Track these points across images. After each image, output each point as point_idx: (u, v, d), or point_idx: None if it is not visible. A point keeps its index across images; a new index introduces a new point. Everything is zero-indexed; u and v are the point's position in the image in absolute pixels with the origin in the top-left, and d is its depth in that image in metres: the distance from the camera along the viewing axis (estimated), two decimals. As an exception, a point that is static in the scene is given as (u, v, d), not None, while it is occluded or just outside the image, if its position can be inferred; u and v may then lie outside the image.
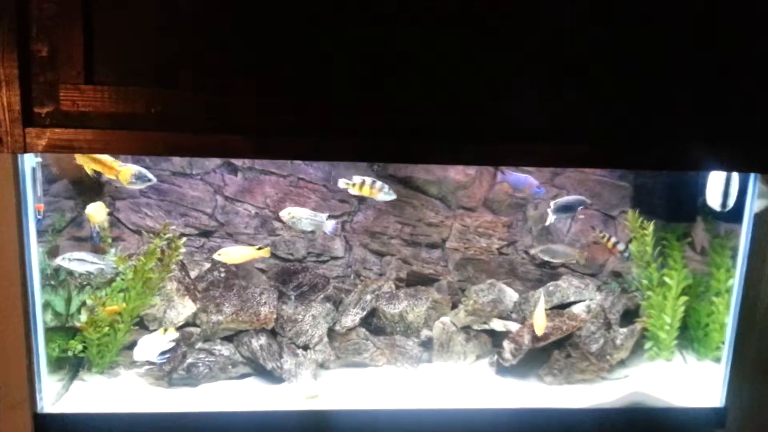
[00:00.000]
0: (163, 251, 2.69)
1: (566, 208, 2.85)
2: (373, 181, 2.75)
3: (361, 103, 2.01)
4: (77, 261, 2.55)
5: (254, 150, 2.07)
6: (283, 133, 2.03)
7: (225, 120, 1.99)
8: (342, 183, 2.79)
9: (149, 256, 2.63)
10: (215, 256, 2.80)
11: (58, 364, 2.54)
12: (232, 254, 2.83)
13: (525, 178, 2.93)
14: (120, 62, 1.91)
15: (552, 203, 2.86)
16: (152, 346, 2.55)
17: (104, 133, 1.97)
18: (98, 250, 2.79)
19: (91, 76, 1.95)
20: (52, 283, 2.62)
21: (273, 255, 3.08)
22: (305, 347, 2.77)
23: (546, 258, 3.08)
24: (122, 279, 2.65)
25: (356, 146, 2.05)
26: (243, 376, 2.74)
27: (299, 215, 2.80)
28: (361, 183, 2.75)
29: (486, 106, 2.05)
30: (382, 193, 2.76)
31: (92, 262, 2.57)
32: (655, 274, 2.93)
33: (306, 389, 2.61)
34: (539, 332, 2.73)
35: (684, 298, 2.89)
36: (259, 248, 2.91)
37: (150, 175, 2.61)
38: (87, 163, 2.47)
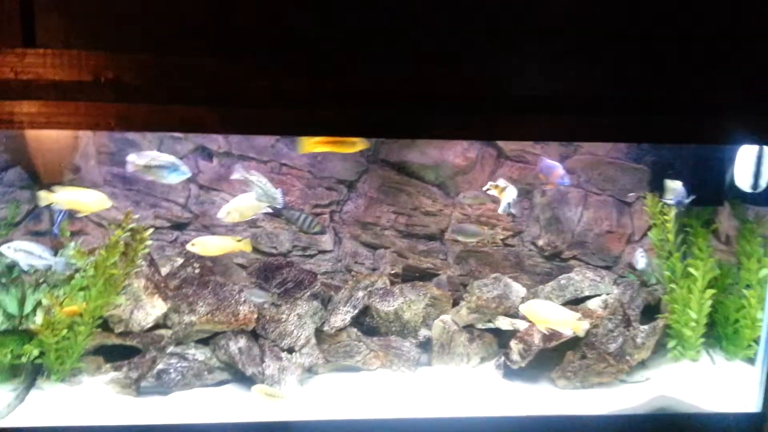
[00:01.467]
0: (127, 244, 2.47)
1: (676, 193, 2.65)
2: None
3: (347, 65, 1.84)
4: (23, 252, 2.33)
5: (221, 123, 1.89)
6: (256, 104, 1.86)
7: (187, 89, 1.82)
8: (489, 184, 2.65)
9: (111, 250, 2.43)
10: (189, 247, 2.64)
11: (11, 371, 2.42)
12: (209, 245, 2.65)
13: (555, 166, 2.69)
14: (66, 22, 1.76)
15: (671, 182, 2.68)
16: None
17: (48, 104, 1.80)
18: (58, 245, 2.63)
19: (32, 38, 1.77)
20: (3, 281, 2.48)
21: (254, 249, 2.92)
22: (290, 350, 2.64)
23: (458, 238, 2.98)
24: (82, 276, 2.47)
25: (344, 117, 1.88)
26: (220, 383, 2.61)
27: (241, 206, 2.50)
28: (504, 187, 2.61)
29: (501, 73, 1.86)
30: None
31: (40, 257, 2.34)
32: (679, 265, 2.71)
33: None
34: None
35: (711, 291, 2.70)
36: (239, 240, 2.69)
37: (185, 168, 2.40)
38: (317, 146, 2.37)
